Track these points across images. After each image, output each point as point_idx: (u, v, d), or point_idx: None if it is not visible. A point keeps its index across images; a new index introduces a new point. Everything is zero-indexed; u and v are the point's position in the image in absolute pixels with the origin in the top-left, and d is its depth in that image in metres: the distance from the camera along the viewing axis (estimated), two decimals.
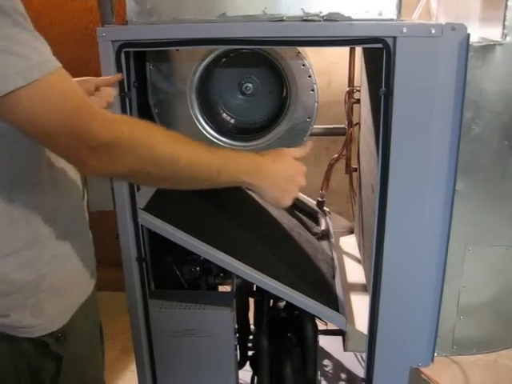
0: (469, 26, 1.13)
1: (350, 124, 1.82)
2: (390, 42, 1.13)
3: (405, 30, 1.12)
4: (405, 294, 1.32)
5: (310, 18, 1.21)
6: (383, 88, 1.17)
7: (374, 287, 1.31)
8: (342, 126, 1.84)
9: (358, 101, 1.80)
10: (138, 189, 1.35)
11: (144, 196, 1.38)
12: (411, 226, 1.26)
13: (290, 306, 1.61)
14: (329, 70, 2.49)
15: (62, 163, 1.03)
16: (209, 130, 1.41)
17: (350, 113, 1.82)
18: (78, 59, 2.32)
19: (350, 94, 1.82)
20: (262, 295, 1.62)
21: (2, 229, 0.94)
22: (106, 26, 1.24)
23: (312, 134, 1.42)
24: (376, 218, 1.26)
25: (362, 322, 1.40)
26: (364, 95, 1.70)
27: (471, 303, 1.36)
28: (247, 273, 1.34)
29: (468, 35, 1.12)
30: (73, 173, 1.08)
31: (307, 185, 2.27)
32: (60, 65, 0.86)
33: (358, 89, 1.81)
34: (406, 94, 1.16)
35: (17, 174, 0.94)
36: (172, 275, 1.52)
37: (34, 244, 0.97)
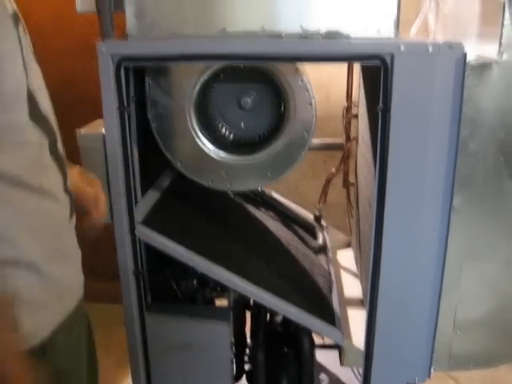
0: (466, 43, 1.15)
1: (348, 139, 1.83)
2: (387, 59, 1.14)
3: (402, 48, 1.13)
4: (401, 308, 1.32)
5: (308, 35, 1.22)
6: (380, 105, 1.18)
7: (370, 302, 1.31)
8: (340, 140, 1.85)
9: (356, 116, 1.81)
10: (136, 202, 1.35)
11: (142, 209, 1.39)
12: (408, 240, 1.27)
13: (286, 320, 1.61)
14: (327, 85, 2.51)
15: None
16: (207, 144, 1.41)
17: (347, 127, 1.84)
18: (77, 71, 2.34)
19: (348, 109, 1.83)
20: (258, 309, 1.62)
21: None
22: (105, 39, 1.25)
23: (310, 148, 1.42)
24: (373, 233, 1.27)
25: (358, 337, 1.40)
26: (362, 110, 1.71)
27: (468, 318, 1.36)
28: (243, 287, 1.34)
29: (465, 54, 1.14)
30: (60, 193, 1.10)
31: (305, 198, 2.28)
32: None
33: (355, 104, 1.82)
34: (404, 111, 1.17)
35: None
36: (169, 288, 1.52)
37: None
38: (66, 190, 1.12)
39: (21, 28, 1.01)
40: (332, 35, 1.22)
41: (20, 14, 1.08)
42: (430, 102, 1.17)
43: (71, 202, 1.15)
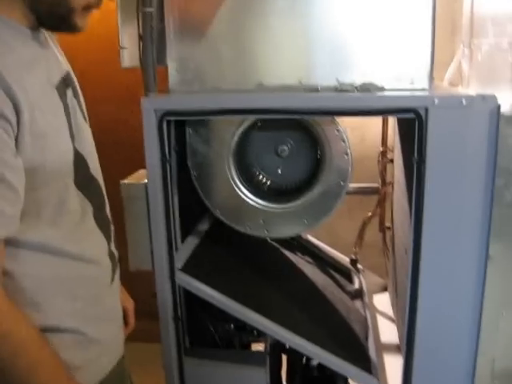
0: (500, 91, 1.16)
1: (384, 183, 1.84)
2: (421, 112, 1.17)
3: (436, 102, 1.16)
4: (439, 356, 1.31)
5: (343, 88, 1.26)
6: (415, 156, 1.20)
7: (407, 350, 1.31)
8: (376, 184, 1.87)
9: (391, 160, 1.83)
10: (177, 249, 1.39)
11: (182, 256, 1.42)
12: (444, 288, 1.27)
13: (323, 365, 1.61)
14: (362, 125, 2.53)
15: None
16: (245, 192, 1.44)
17: (383, 172, 1.85)
18: (118, 117, 2.42)
19: (384, 153, 1.85)
20: (295, 353, 1.63)
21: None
22: (149, 94, 1.31)
23: (346, 193, 1.45)
24: (409, 281, 1.27)
25: None
26: (397, 155, 1.73)
27: (506, 368, 1.34)
28: (279, 333, 1.36)
29: (498, 105, 1.15)
30: (102, 258, 1.12)
31: (341, 238, 2.28)
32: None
33: (391, 149, 1.84)
34: (438, 163, 1.19)
35: None
36: (206, 332, 1.54)
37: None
38: (110, 254, 1.15)
39: (69, 93, 1.04)
40: (366, 87, 1.26)
41: (72, 73, 1.13)
42: (465, 153, 1.18)
43: (114, 264, 1.17)
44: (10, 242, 0.95)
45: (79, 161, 1.04)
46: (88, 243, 1.08)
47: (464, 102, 1.16)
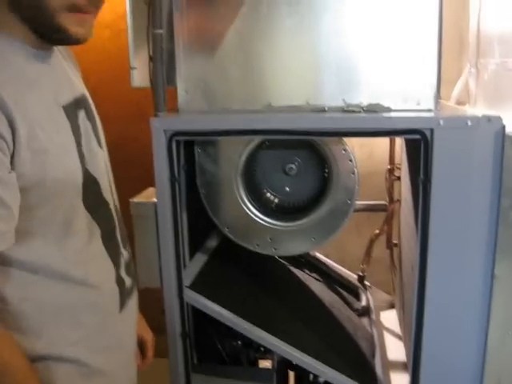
0: (507, 109, 1.17)
1: (391, 200, 1.85)
2: (427, 133, 1.18)
3: (442, 123, 1.17)
4: (445, 375, 1.32)
5: (350, 108, 1.27)
6: (421, 176, 1.21)
7: (413, 369, 1.32)
8: (383, 202, 1.88)
9: (399, 178, 1.84)
10: (185, 266, 1.41)
11: (190, 273, 1.44)
12: (450, 307, 1.28)
13: (329, 383, 1.62)
14: (370, 142, 2.53)
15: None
16: (253, 210, 1.46)
17: (390, 189, 1.86)
18: (127, 134, 2.44)
19: (391, 171, 1.86)
20: (302, 370, 1.63)
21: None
22: (158, 114, 1.33)
23: (354, 210, 1.46)
24: (415, 299, 1.28)
25: None
26: (404, 174, 1.74)
27: None
28: (286, 351, 1.37)
29: (503, 126, 1.16)
30: (108, 285, 1.09)
31: (349, 254, 2.28)
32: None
33: (398, 166, 1.85)
34: (444, 182, 1.20)
35: None
36: (214, 348, 1.55)
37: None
38: (119, 281, 1.11)
39: (82, 114, 1.04)
40: (373, 108, 1.28)
41: (88, 97, 1.13)
42: (470, 173, 1.19)
43: (124, 291, 1.13)
44: (12, 264, 0.94)
45: (90, 182, 1.03)
46: (93, 268, 1.04)
47: (469, 123, 1.17)
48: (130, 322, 1.18)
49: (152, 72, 1.34)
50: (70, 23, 0.93)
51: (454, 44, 1.87)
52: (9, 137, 0.86)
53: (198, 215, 1.49)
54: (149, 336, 1.37)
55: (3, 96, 0.86)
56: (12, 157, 0.88)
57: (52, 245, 0.97)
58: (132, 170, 2.15)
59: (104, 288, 1.07)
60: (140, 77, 1.42)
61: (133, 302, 1.18)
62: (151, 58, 1.34)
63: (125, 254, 1.15)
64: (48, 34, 0.95)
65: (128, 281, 1.15)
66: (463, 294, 1.27)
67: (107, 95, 2.41)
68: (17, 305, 0.95)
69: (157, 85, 1.34)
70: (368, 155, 2.56)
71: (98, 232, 1.05)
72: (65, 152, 0.98)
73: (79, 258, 1.01)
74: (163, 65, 1.34)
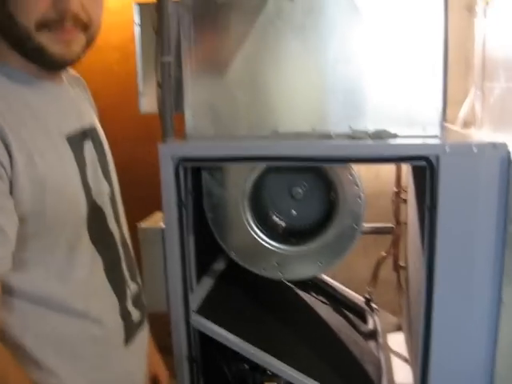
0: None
1: (398, 223, 1.86)
2: (433, 159, 1.19)
3: (448, 150, 1.18)
4: None
5: (356, 135, 1.28)
6: (427, 202, 1.22)
7: None
8: (390, 225, 1.88)
9: (405, 200, 1.84)
10: (192, 289, 1.41)
11: (197, 297, 1.44)
12: (457, 332, 1.28)
13: None
14: None
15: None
16: (260, 234, 1.47)
17: (397, 212, 1.86)
18: (135, 156, 2.46)
19: (397, 194, 1.86)
20: None
21: None
22: (166, 139, 1.35)
23: (361, 232, 1.46)
24: (422, 323, 1.28)
25: None
26: (410, 197, 1.74)
27: None
28: (292, 376, 1.37)
29: (509, 153, 1.17)
30: (111, 318, 1.06)
31: (356, 275, 2.28)
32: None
33: (404, 189, 1.85)
34: (450, 209, 1.21)
35: None
36: (220, 372, 1.55)
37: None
38: (123, 314, 1.07)
39: (88, 145, 1.03)
40: (379, 134, 1.28)
41: (98, 129, 1.12)
42: (476, 199, 1.20)
43: (130, 324, 1.09)
44: (12, 294, 0.92)
45: (95, 213, 1.01)
46: (95, 301, 1.01)
47: (475, 149, 1.18)
48: (138, 355, 1.15)
49: (160, 99, 1.36)
50: (49, 42, 0.91)
51: (459, 64, 1.88)
52: (7, 163, 0.86)
53: (205, 239, 1.50)
54: (162, 372, 1.31)
55: (0, 122, 0.85)
56: (10, 183, 0.87)
57: (53, 276, 0.95)
58: (140, 191, 2.16)
59: (106, 321, 1.03)
60: (148, 103, 1.44)
61: (143, 335, 1.15)
62: (159, 85, 1.36)
63: (132, 286, 1.12)
64: (33, 57, 0.93)
65: (136, 313, 1.11)
66: (470, 318, 1.27)
67: (115, 116, 2.43)
68: (17, 335, 0.94)
69: (165, 111, 1.36)
70: (375, 175, 2.56)
71: (100, 264, 1.03)
72: (67, 182, 0.96)
73: (81, 291, 0.99)
74: (171, 92, 1.35)
